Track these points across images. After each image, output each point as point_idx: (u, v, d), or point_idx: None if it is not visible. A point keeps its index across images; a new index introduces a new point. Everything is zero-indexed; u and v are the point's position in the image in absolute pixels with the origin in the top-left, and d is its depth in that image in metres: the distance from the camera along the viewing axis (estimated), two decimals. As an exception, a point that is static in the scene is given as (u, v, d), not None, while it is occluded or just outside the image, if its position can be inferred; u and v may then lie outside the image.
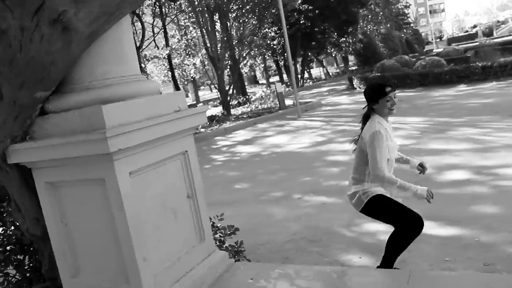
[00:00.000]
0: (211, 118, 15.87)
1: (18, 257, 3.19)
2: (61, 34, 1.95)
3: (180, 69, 25.92)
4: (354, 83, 19.68)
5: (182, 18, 20.75)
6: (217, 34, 17.70)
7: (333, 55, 36.60)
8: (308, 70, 37.44)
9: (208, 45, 17.20)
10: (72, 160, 2.16)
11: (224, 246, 3.29)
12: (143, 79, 2.41)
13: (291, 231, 4.79)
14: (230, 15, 19.67)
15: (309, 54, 31.60)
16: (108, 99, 2.17)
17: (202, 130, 14.45)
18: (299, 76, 29.33)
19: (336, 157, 7.81)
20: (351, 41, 31.55)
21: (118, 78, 2.26)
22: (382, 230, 3.98)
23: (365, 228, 4.44)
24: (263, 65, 32.03)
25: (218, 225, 3.39)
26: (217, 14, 18.12)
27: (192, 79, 29.47)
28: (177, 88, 20.48)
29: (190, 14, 18.42)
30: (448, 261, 3.51)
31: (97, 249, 2.31)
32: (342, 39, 31.02)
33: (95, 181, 2.16)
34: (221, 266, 2.67)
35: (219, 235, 3.30)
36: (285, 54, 27.95)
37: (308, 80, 32.56)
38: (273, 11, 21.32)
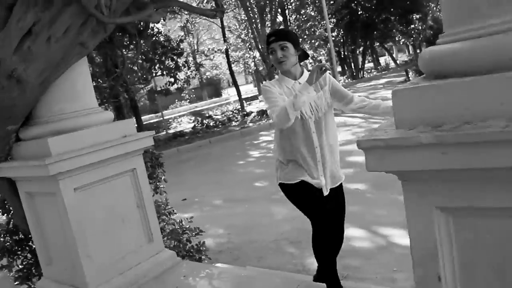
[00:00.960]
0: (262, 113, 16.40)
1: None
2: (16, 85, 2.58)
3: (242, 62, 26.76)
4: (409, 75, 19.07)
5: (241, 13, 21.46)
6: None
7: (401, 42, 35.41)
8: (376, 59, 36.57)
9: (258, 40, 17.73)
10: (36, 177, 2.81)
11: (190, 245, 3.84)
12: (94, 112, 3.00)
13: (280, 231, 5.22)
14: (288, 7, 20.01)
15: (373, 43, 30.93)
16: (61, 131, 2.78)
17: (250, 124, 15.03)
18: (360, 66, 28.86)
19: (356, 158, 8.00)
20: (420, 28, 30.43)
21: (71, 113, 2.87)
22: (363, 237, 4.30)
23: (351, 233, 4.68)
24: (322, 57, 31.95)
25: (187, 226, 3.94)
26: (273, 8, 18.55)
27: (254, 71, 30.17)
28: (234, 81, 21.23)
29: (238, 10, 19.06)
30: (395, 271, 3.76)
31: (59, 245, 2.97)
32: (411, 26, 30.03)
33: (50, 194, 2.80)
34: (167, 263, 3.21)
35: (186, 236, 3.85)
36: (346, 45, 27.74)
37: (373, 70, 31.90)
38: (331, 2, 21.28)
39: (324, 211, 2.70)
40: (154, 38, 13.19)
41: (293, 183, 2.71)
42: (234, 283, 2.86)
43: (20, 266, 4.07)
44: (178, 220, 3.94)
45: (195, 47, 32.85)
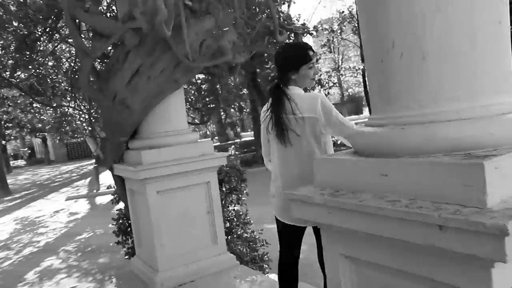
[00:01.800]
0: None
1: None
2: (126, 109, 3.47)
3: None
4: None
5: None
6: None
7: None
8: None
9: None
10: (134, 179, 3.68)
11: (256, 253, 4.39)
12: (182, 134, 3.76)
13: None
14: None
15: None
16: (154, 146, 3.60)
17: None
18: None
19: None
20: None
21: (163, 133, 3.68)
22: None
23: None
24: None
25: (257, 237, 4.50)
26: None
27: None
28: (367, 101, 21.05)
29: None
30: None
31: (146, 233, 3.80)
32: None
33: (141, 193, 3.64)
34: (225, 264, 3.83)
35: (251, 244, 4.42)
36: None
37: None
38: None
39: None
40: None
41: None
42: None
43: (131, 244, 5.11)
44: (250, 230, 4.53)
45: (340, 63, 33.19)
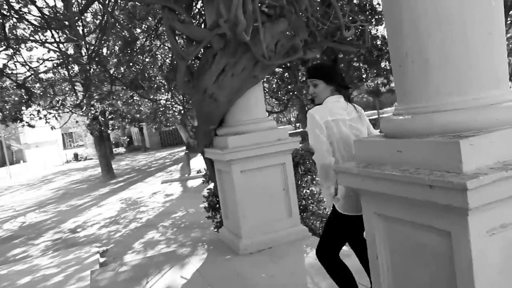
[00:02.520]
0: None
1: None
2: (214, 102, 4.16)
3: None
4: None
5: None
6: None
7: None
8: None
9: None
10: (221, 160, 4.38)
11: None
12: (262, 121, 4.35)
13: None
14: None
15: None
16: (238, 133, 4.26)
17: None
18: None
19: None
20: None
21: (245, 121, 4.32)
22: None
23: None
24: None
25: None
26: None
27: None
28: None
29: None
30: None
31: (231, 206, 4.49)
32: None
33: (228, 172, 4.32)
34: (298, 235, 4.40)
35: (323, 220, 4.93)
36: None
37: None
38: None
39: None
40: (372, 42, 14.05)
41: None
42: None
43: (219, 219, 5.88)
44: (323, 207, 5.04)
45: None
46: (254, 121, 4.36)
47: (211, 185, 6.02)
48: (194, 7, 5.40)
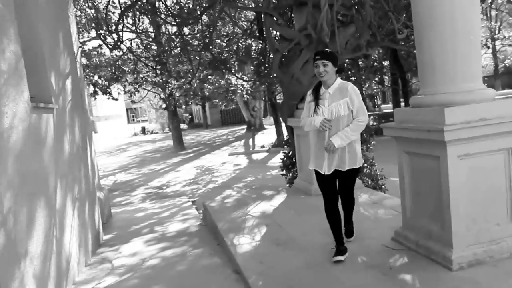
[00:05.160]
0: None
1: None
2: (298, 84, 5.78)
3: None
4: None
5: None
6: None
7: None
8: None
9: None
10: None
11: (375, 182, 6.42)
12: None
13: None
14: None
15: None
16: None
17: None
18: None
19: None
20: None
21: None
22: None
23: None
24: None
25: (378, 172, 6.50)
26: None
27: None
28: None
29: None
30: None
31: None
32: None
33: (303, 136, 5.95)
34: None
35: (373, 178, 6.44)
36: None
37: None
38: None
39: (324, 191, 3.74)
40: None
41: (310, 168, 3.87)
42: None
43: (290, 176, 7.54)
44: (374, 168, 6.54)
45: (496, 32, 31.20)
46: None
47: (282, 153, 7.65)
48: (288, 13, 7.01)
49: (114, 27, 8.05)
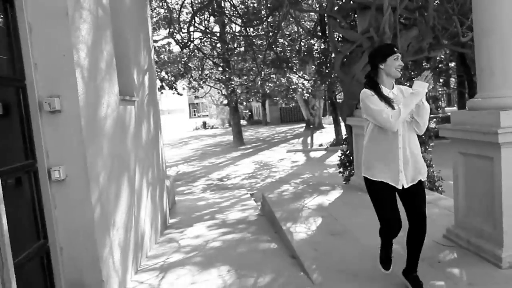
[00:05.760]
0: None
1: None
2: (359, 84, 5.96)
3: None
4: None
5: None
6: None
7: None
8: None
9: None
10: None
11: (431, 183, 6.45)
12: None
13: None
14: None
15: None
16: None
17: None
18: None
19: None
20: None
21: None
22: None
23: None
24: None
25: (435, 174, 6.53)
26: None
27: None
28: None
29: None
30: None
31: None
32: None
33: (361, 135, 6.14)
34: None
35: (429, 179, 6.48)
36: None
37: None
38: None
39: (391, 211, 3.00)
40: None
41: (374, 180, 3.04)
42: None
43: (347, 174, 7.72)
44: (432, 170, 6.57)
45: None
46: (386, 100, 6.07)
47: (338, 151, 7.84)
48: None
49: (185, 27, 8.62)
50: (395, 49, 2.93)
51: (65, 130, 2.90)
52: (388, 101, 2.85)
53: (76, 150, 2.91)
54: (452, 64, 20.52)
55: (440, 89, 27.04)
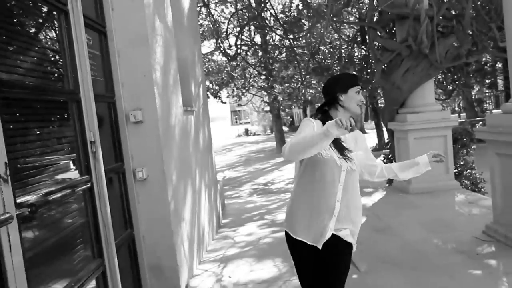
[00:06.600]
0: None
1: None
2: (399, 91, 6.30)
3: None
4: None
5: None
6: None
7: None
8: None
9: None
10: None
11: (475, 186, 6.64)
12: (430, 105, 6.30)
13: None
14: None
15: None
16: (414, 112, 6.32)
17: None
18: None
19: None
20: None
21: (419, 104, 6.35)
22: None
23: None
24: None
25: (477, 176, 6.70)
26: None
27: None
28: None
29: None
30: None
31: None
32: None
33: (404, 139, 6.43)
34: (452, 186, 6.31)
35: (472, 181, 6.66)
36: None
37: None
38: None
39: (306, 273, 2.39)
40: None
41: (294, 237, 2.35)
42: None
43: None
44: (474, 172, 6.76)
45: None
46: (426, 104, 6.37)
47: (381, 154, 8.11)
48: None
49: (230, 38, 9.20)
50: (358, 82, 2.36)
51: (146, 137, 3.47)
52: (340, 148, 2.21)
53: (155, 154, 3.47)
54: (500, 65, 20.11)
55: (486, 91, 26.38)
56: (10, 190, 1.86)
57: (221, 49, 10.03)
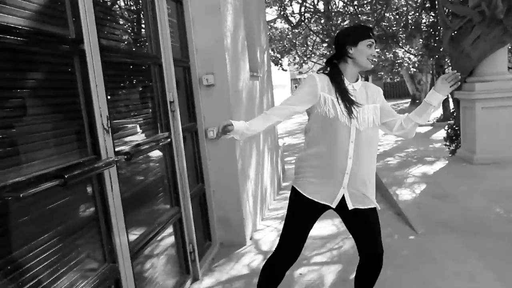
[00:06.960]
0: None
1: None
2: (468, 58, 6.11)
3: None
4: None
5: None
6: None
7: None
8: None
9: None
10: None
11: None
12: (502, 74, 6.05)
13: None
14: None
15: None
16: (482, 80, 6.12)
17: None
18: None
19: None
20: None
21: (489, 72, 6.13)
22: None
23: None
24: None
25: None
26: None
27: None
28: None
29: None
30: None
31: (469, 133, 6.43)
32: None
33: (470, 108, 6.27)
34: (521, 157, 6.11)
35: None
36: None
37: None
38: None
39: (300, 234, 2.28)
40: None
41: (305, 195, 2.25)
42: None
43: (453, 147, 7.81)
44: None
45: None
46: (497, 73, 6.14)
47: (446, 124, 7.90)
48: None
49: (294, 6, 9.18)
50: (371, 34, 2.21)
51: (217, 99, 3.74)
52: (348, 100, 2.16)
53: (225, 115, 3.74)
54: None
55: None
56: (111, 140, 2.19)
57: (284, 16, 10.04)
